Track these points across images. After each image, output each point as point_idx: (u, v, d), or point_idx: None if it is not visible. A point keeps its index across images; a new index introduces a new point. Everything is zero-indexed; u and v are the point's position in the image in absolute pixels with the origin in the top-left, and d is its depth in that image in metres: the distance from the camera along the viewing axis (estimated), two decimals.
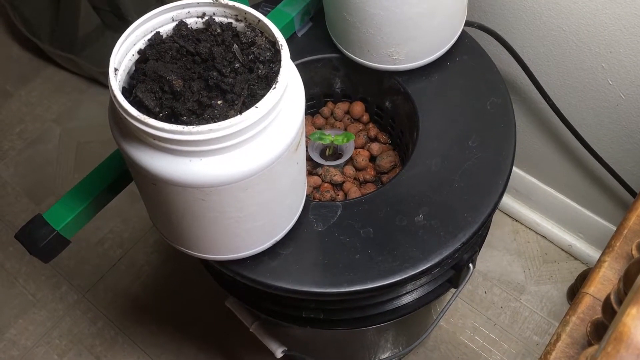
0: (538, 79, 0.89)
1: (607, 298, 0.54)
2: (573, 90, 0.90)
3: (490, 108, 0.74)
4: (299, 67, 0.80)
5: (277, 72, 0.53)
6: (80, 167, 1.28)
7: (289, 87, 0.54)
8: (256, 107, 0.50)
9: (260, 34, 0.56)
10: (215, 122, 0.50)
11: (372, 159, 0.82)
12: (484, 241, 0.78)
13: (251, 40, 0.56)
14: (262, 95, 0.52)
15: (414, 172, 0.71)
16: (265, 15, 0.80)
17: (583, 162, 1.00)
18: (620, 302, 0.51)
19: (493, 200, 0.68)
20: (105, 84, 1.35)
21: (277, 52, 0.55)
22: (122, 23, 1.28)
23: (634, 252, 0.64)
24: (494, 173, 0.70)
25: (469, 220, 0.67)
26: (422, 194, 0.69)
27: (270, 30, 0.55)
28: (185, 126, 0.48)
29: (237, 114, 0.51)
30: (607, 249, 0.68)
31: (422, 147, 0.73)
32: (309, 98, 0.85)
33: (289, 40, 0.81)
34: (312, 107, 0.86)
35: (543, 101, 0.91)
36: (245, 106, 0.52)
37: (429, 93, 0.76)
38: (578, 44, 0.84)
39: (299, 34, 0.81)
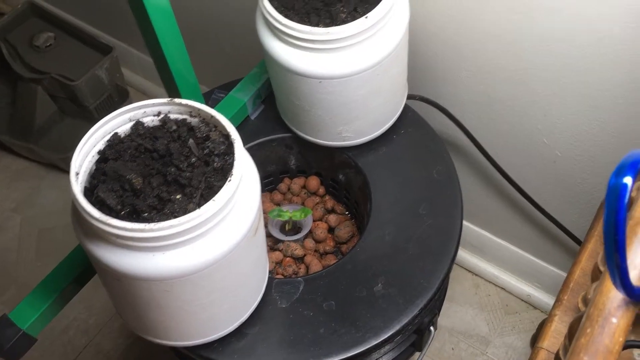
0: (480, 142, 0.95)
1: (557, 354, 0.57)
2: (513, 150, 0.96)
3: (437, 176, 0.79)
4: (254, 147, 0.84)
5: (231, 164, 0.56)
6: (43, 254, 1.27)
7: (244, 177, 0.58)
8: (213, 200, 0.53)
9: (214, 128, 0.60)
10: (175, 216, 0.53)
11: (331, 229, 0.85)
12: (442, 303, 0.81)
13: (206, 135, 0.59)
14: (219, 187, 0.55)
15: (369, 242, 0.74)
16: (218, 101, 0.84)
17: (530, 216, 1.05)
18: None
19: (446, 264, 0.72)
20: (64, 169, 1.36)
21: (230, 145, 0.58)
22: (79, 109, 1.31)
23: (580, 305, 0.68)
24: (444, 238, 0.74)
25: (425, 285, 0.70)
26: (379, 263, 0.72)
27: (223, 125, 0.58)
28: (146, 224, 0.51)
29: (196, 207, 0.54)
30: (556, 302, 0.72)
31: (376, 218, 0.76)
32: (266, 175, 0.89)
33: (243, 124, 0.85)
34: (270, 184, 0.90)
35: (487, 162, 0.97)
36: (204, 198, 0.55)
37: (378, 165, 0.80)
38: (514, 109, 0.90)
39: (252, 117, 0.85)
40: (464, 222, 1.18)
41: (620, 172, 0.34)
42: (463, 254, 1.22)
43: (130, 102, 1.42)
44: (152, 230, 0.51)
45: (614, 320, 0.40)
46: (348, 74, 0.69)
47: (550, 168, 0.95)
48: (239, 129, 0.84)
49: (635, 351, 0.63)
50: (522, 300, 1.18)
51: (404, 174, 0.80)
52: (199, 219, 0.52)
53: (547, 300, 1.15)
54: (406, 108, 0.84)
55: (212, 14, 1.13)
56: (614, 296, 0.40)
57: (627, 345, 0.52)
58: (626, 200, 0.34)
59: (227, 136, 0.59)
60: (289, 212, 0.81)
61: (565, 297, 0.71)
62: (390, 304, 0.69)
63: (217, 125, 0.59)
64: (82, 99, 1.28)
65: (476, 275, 1.22)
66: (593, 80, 0.79)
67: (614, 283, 0.37)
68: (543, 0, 0.74)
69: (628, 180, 0.34)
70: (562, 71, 0.81)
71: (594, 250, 0.74)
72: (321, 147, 0.81)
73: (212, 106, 0.83)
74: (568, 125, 0.87)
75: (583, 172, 0.92)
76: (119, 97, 1.35)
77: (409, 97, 0.86)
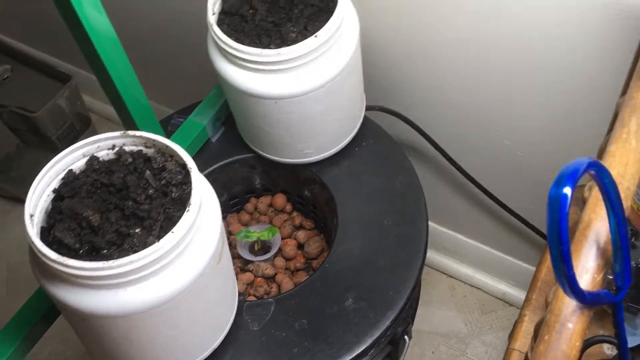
0: (443, 147, 0.96)
1: (526, 355, 0.58)
2: (476, 153, 0.98)
3: (400, 186, 0.79)
4: (217, 170, 0.84)
5: (189, 194, 0.56)
6: (14, 289, 1.25)
7: (203, 205, 0.57)
8: (172, 232, 0.53)
9: (170, 158, 0.59)
10: (135, 251, 0.52)
11: (300, 246, 0.85)
12: (415, 312, 0.81)
13: (162, 165, 0.59)
14: (179, 217, 0.55)
15: (338, 257, 0.74)
16: (178, 126, 0.84)
17: (499, 215, 1.06)
18: None
19: (414, 274, 0.72)
20: None
21: (187, 174, 0.58)
22: (41, 140, 1.29)
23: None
24: (411, 248, 0.74)
25: (395, 297, 0.70)
26: (349, 278, 0.72)
27: (179, 154, 0.58)
28: (105, 262, 0.50)
29: (155, 240, 0.53)
30: (525, 302, 0.73)
31: (343, 232, 0.76)
32: (231, 197, 0.89)
33: (204, 147, 0.84)
34: (236, 205, 0.90)
35: (452, 166, 0.98)
36: (163, 230, 0.55)
37: (342, 179, 0.81)
38: (472, 113, 0.92)
39: (213, 140, 0.85)
40: (436, 226, 1.20)
41: (559, 182, 0.35)
42: (437, 257, 1.23)
43: (94, 129, 1.40)
44: (111, 267, 0.50)
45: (570, 325, 0.40)
46: (303, 92, 0.69)
47: (514, 168, 0.96)
48: (200, 152, 0.84)
49: (605, 345, 0.64)
50: (498, 298, 1.20)
51: (368, 186, 0.80)
52: (158, 252, 0.52)
53: (522, 296, 1.16)
54: (366, 120, 0.85)
55: (167, 38, 1.13)
56: (568, 301, 0.41)
57: (596, 341, 0.53)
58: (567, 210, 0.34)
59: (183, 165, 0.58)
60: (257, 232, 0.81)
61: (534, 296, 0.72)
62: (362, 318, 0.69)
63: (173, 155, 0.59)
64: (44, 129, 1.27)
65: (451, 277, 1.23)
66: (546, 82, 0.81)
67: (565, 291, 0.38)
68: (490, 7, 0.75)
69: (567, 190, 0.35)
70: (514, 75, 0.82)
71: None
72: (285, 165, 0.82)
73: (172, 131, 0.84)
74: (526, 126, 0.89)
75: (546, 170, 0.94)
76: (82, 125, 1.33)
77: (368, 108, 0.87)
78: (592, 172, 0.37)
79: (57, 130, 1.28)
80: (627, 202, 0.44)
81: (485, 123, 0.92)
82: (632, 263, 0.66)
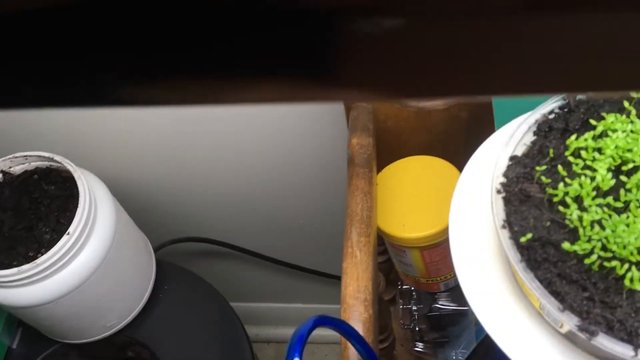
0: (243, 246, 1.02)
1: None
2: (277, 239, 1.04)
3: (212, 315, 0.83)
4: None
5: None
6: None
7: None
8: None
9: None
10: None
11: None
12: None
13: None
14: None
15: None
16: None
17: (319, 279, 1.14)
18: None
19: None
20: None
21: None
22: None
23: None
24: None
25: None
26: None
27: None
28: None
29: None
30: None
31: None
32: None
33: (7, 357, 0.81)
34: None
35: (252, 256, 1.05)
36: None
37: (157, 331, 0.82)
38: (243, 206, 0.98)
39: (14, 345, 0.82)
40: (273, 304, 1.25)
41: (288, 354, 0.41)
42: (287, 331, 1.28)
43: None
44: None
45: None
46: (79, 283, 0.69)
47: (313, 239, 1.05)
48: None
49: None
50: None
51: (183, 327, 0.82)
52: None
53: None
54: (160, 262, 0.87)
55: None
56: None
57: None
58: None
59: None
60: None
61: None
62: None
63: None
64: None
65: (308, 343, 1.28)
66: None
67: None
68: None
69: None
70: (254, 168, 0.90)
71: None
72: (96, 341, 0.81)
73: None
74: (296, 206, 0.97)
75: (326, 231, 1.03)
76: None
77: (157, 249, 0.89)
78: (321, 326, 0.43)
79: None
80: (368, 312, 0.51)
81: (265, 211, 0.99)
82: (422, 307, 0.76)
